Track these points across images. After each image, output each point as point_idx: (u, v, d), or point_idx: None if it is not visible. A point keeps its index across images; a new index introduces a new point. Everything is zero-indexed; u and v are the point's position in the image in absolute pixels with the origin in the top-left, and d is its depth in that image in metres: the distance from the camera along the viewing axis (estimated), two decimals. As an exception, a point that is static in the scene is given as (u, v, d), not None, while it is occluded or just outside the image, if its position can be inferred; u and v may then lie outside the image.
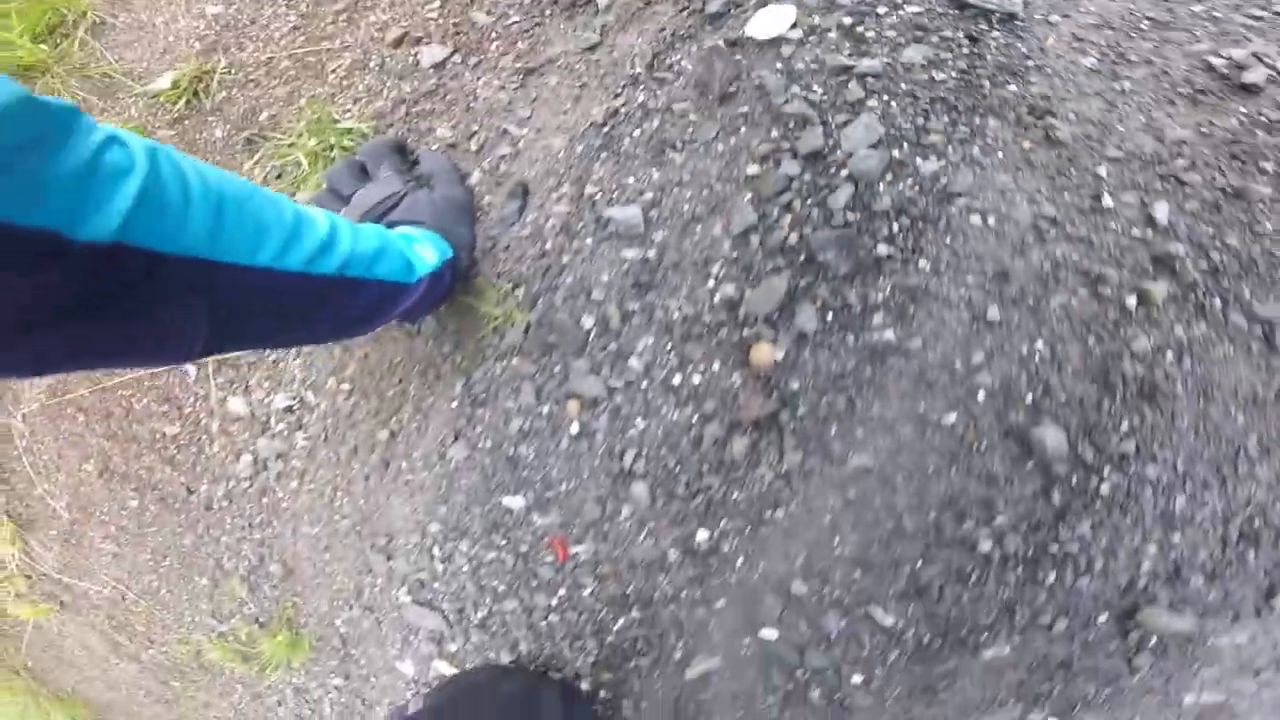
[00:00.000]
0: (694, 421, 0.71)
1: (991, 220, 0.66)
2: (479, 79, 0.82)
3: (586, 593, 0.80)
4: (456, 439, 0.84)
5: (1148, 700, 0.65)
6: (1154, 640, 0.63)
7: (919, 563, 0.66)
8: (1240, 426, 0.62)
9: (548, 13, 0.86)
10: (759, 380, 0.69)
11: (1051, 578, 0.63)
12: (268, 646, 1.08)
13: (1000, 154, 0.67)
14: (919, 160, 0.67)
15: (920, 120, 0.68)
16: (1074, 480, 0.62)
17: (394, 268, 0.64)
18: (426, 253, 0.72)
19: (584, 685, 0.85)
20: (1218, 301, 0.63)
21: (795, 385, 0.67)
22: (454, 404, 0.83)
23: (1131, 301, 0.64)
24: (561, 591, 0.82)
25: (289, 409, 0.95)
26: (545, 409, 0.78)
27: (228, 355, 0.98)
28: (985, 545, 0.64)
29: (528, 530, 0.82)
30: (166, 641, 1.16)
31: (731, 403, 0.70)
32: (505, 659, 0.89)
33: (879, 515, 0.67)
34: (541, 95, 0.80)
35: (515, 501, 0.82)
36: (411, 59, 0.87)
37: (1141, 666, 0.63)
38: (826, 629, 0.70)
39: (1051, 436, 0.61)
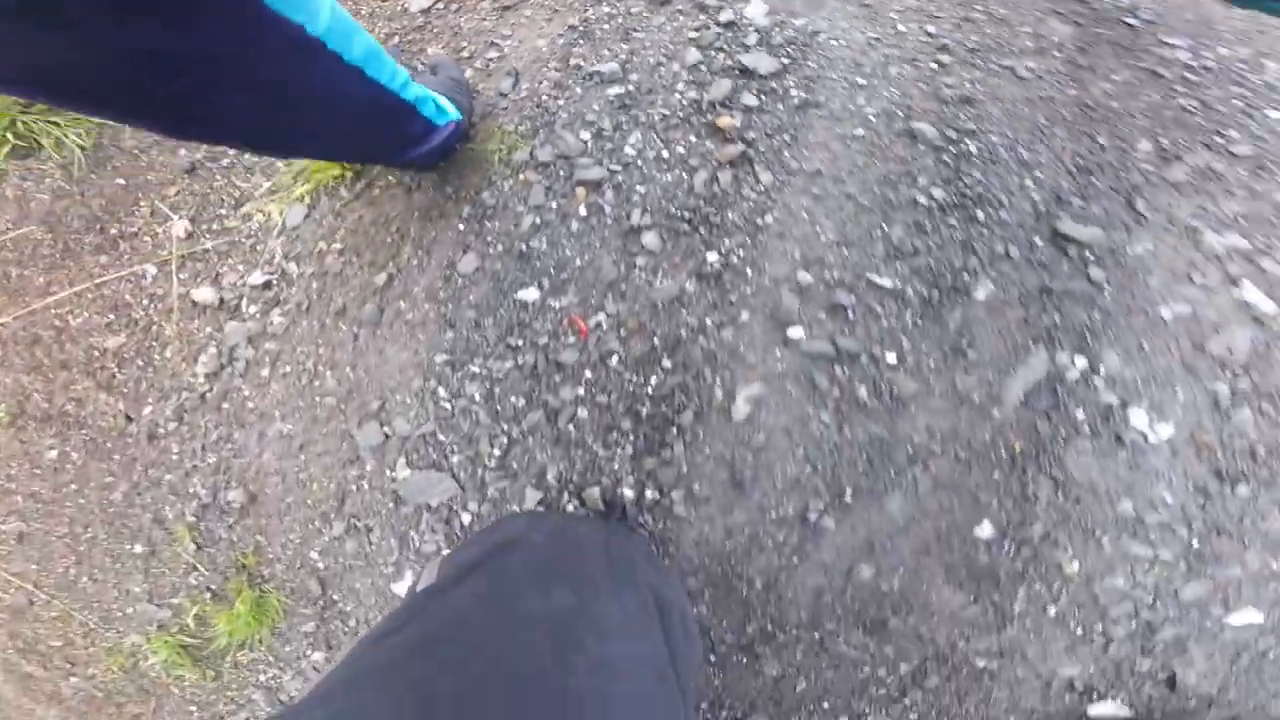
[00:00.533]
0: (684, 175, 0.85)
1: (840, 41, 0.97)
2: (462, 18, 1.07)
3: (614, 362, 0.79)
4: (465, 252, 0.86)
5: (1136, 321, 0.76)
6: (1089, 253, 0.78)
7: (885, 226, 0.79)
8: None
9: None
10: (727, 138, 0.86)
11: (981, 215, 0.79)
12: (225, 625, 0.82)
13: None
14: (791, 18, 0.99)
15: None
16: (952, 149, 0.83)
17: (432, 110, 0.79)
18: (448, 106, 0.87)
19: (626, 491, 0.77)
20: None
21: (752, 134, 0.86)
22: (461, 225, 0.88)
23: None
24: (588, 374, 0.80)
25: (266, 284, 0.91)
26: (554, 203, 0.87)
27: (197, 247, 0.95)
28: (922, 199, 0.80)
29: (545, 320, 0.82)
30: (92, 658, 0.82)
31: (710, 155, 0.85)
32: (532, 504, 0.79)
33: (840, 201, 0.81)
34: (519, 23, 1.06)
35: (530, 294, 0.84)
36: (400, 7, 1.11)
37: (1100, 280, 0.76)
38: (843, 306, 0.77)
39: (927, 130, 0.84)
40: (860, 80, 0.89)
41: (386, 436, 0.84)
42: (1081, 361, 0.75)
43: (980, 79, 0.88)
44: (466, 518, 0.81)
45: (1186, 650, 0.72)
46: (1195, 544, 0.72)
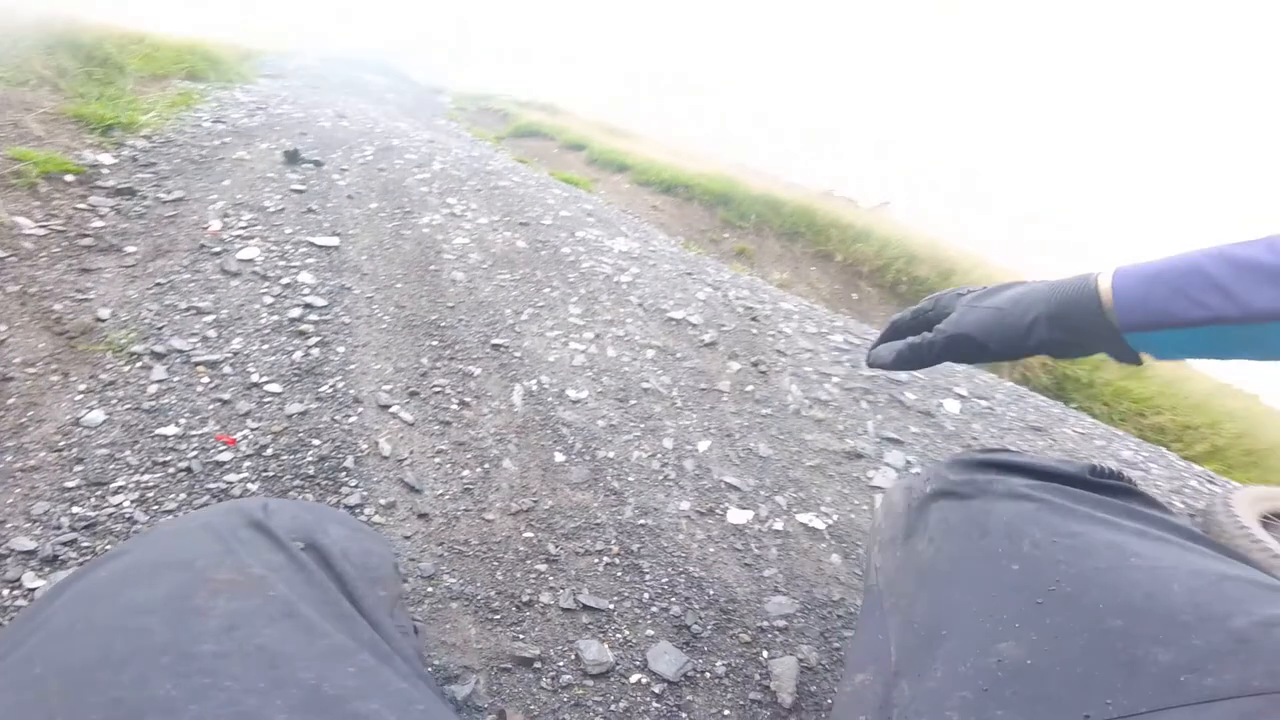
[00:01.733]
0: (285, 355, 1.25)
1: (360, 292, 1.63)
2: (37, 271, 1.21)
3: (269, 452, 1.03)
4: (90, 410, 0.97)
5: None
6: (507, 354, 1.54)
7: (420, 360, 1.39)
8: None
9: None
10: (308, 334, 1.33)
11: (455, 354, 1.49)
12: None
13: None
14: (328, 279, 1.59)
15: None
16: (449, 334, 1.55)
17: None
18: None
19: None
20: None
21: (324, 332, 1.36)
22: (80, 395, 0.99)
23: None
24: (248, 463, 1.00)
25: None
26: (176, 376, 1.10)
27: None
28: (432, 343, 1.45)
29: (191, 442, 1.00)
30: None
31: (301, 343, 1.30)
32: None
33: (387, 352, 1.37)
34: (102, 280, 1.28)
35: (170, 429, 1.01)
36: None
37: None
38: (416, 392, 1.27)
39: (423, 321, 1.55)
40: (376, 307, 1.54)
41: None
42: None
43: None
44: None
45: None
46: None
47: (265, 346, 1.26)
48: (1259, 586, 0.31)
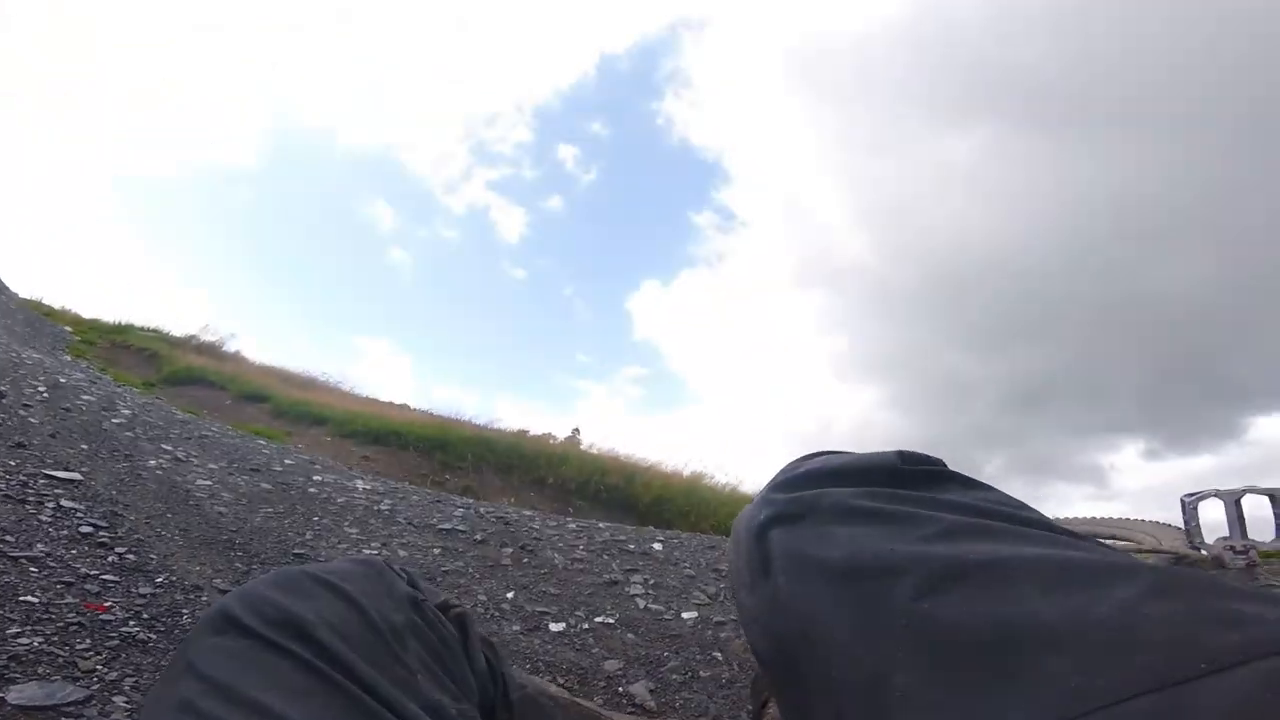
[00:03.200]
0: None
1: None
2: None
3: (145, 616, 1.07)
4: None
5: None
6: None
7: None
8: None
9: None
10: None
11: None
12: None
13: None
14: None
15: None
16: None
17: None
18: None
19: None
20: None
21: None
22: None
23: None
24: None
25: None
26: (1, 565, 1.05)
27: None
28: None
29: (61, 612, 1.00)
30: None
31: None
32: None
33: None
34: None
35: (32, 598, 0.99)
36: None
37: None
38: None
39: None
40: (161, 529, 1.58)
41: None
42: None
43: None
44: None
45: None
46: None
47: (74, 551, 1.25)
48: (1097, 569, 0.28)
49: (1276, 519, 1.84)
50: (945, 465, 0.42)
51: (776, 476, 0.45)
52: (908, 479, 0.40)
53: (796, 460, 0.48)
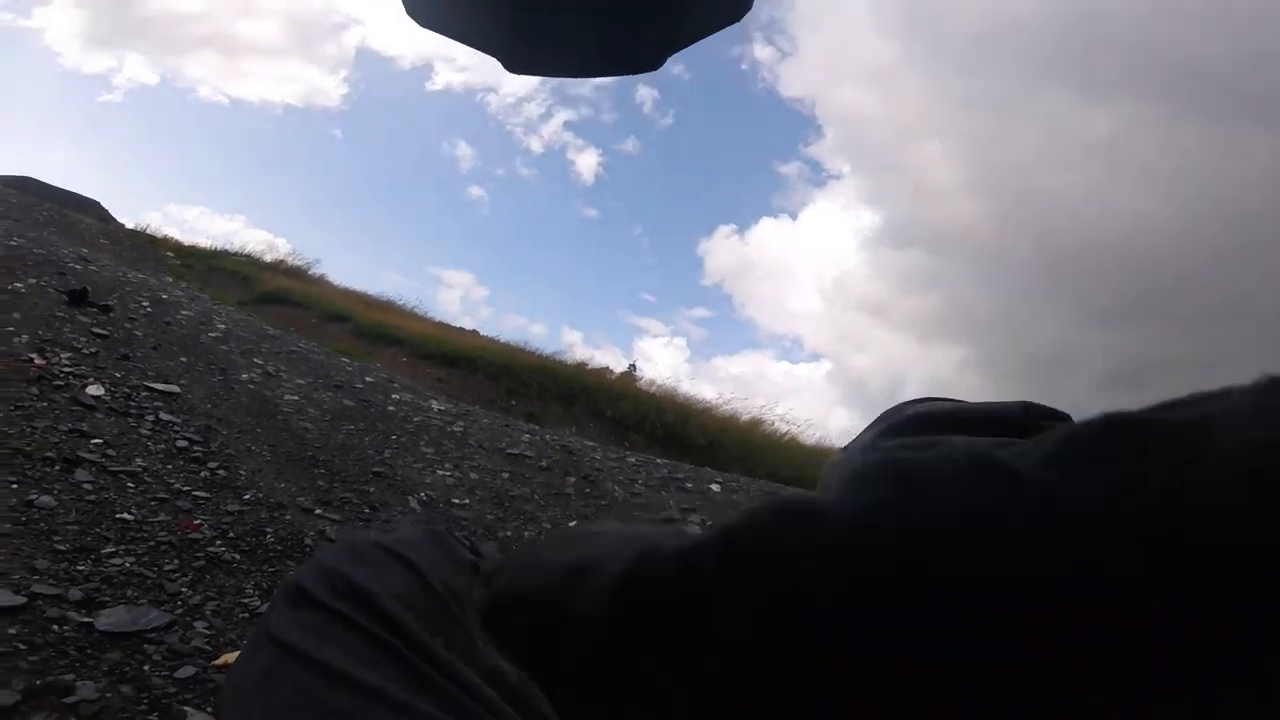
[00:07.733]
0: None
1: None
2: None
3: (231, 535, 1.14)
4: (41, 495, 0.99)
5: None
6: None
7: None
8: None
9: None
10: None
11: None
12: None
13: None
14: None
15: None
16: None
17: None
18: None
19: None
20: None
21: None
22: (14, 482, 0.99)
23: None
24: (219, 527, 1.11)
25: None
26: (101, 480, 1.14)
27: None
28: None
29: (154, 529, 1.08)
30: None
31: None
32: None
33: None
34: None
35: (127, 515, 1.07)
36: None
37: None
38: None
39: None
40: (251, 444, 1.67)
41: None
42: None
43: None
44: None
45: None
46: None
47: (170, 466, 1.33)
48: None
49: None
50: (1072, 419, 0.37)
51: (877, 423, 0.42)
52: (1033, 434, 0.33)
53: (898, 405, 0.44)
